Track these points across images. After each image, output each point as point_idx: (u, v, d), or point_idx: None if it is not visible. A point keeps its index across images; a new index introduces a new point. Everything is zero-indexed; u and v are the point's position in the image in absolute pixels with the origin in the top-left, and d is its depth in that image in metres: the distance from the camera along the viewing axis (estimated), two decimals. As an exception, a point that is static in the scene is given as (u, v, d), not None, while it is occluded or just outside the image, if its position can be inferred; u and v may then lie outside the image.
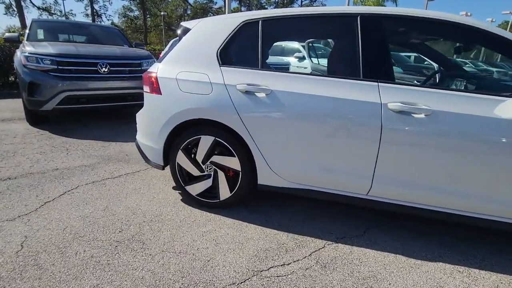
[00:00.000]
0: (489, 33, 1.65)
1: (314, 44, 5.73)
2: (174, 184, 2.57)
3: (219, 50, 2.03)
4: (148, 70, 2.28)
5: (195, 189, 2.20)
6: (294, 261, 1.68)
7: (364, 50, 1.77)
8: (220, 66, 2.01)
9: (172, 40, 3.07)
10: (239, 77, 1.94)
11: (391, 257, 1.75)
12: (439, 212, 1.75)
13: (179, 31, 2.28)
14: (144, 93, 2.28)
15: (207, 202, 2.20)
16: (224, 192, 2.13)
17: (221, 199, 2.16)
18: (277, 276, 1.56)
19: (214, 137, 2.03)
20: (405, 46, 1.73)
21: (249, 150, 1.99)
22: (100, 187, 2.51)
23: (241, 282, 1.52)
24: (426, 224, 2.09)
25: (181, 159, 2.16)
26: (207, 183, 2.16)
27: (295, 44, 9.07)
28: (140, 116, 2.34)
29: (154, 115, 2.16)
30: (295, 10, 1.98)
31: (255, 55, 1.98)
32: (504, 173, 1.58)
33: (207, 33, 2.09)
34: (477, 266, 1.71)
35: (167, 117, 2.08)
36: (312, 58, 4.48)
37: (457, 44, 2.29)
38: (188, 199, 2.30)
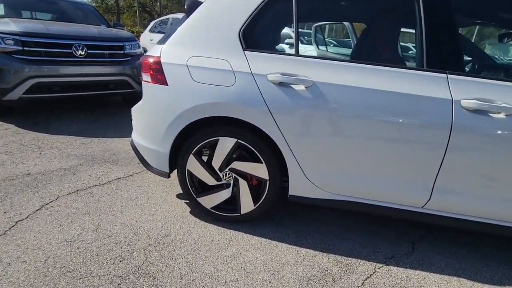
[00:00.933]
0: None
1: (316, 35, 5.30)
2: (178, 191, 2.16)
3: (242, 30, 1.61)
4: (146, 54, 1.81)
5: (210, 201, 1.82)
6: (347, 294, 1.38)
7: (429, 32, 1.43)
8: (244, 50, 1.60)
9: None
10: (270, 64, 1.55)
11: (454, 281, 1.49)
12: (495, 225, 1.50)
13: (186, 4, 1.81)
14: (142, 82, 1.82)
15: (225, 216, 1.83)
16: (247, 204, 1.77)
17: (242, 213, 1.79)
18: (333, 318, 1.25)
19: (236, 139, 1.64)
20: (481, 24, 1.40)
21: (281, 155, 1.63)
22: (87, 197, 2.05)
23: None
24: (471, 236, 1.85)
25: (193, 165, 1.76)
26: (225, 194, 1.78)
27: (284, 29, 8.51)
28: (138, 111, 1.88)
29: (158, 111, 1.73)
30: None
31: (288, 37, 1.58)
32: None
33: (225, 7, 1.66)
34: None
35: (176, 114, 1.65)
36: (319, 46, 4.10)
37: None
38: (199, 211, 1.91)
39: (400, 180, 1.53)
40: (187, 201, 2.08)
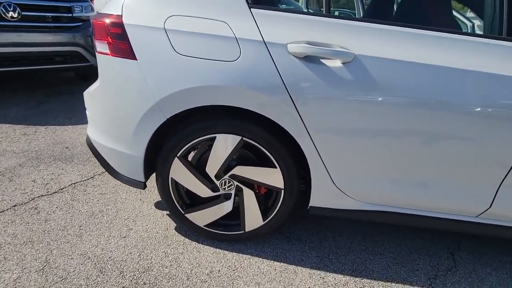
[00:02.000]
0: None
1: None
2: (156, 198, 1.68)
3: (245, -24, 1.08)
4: (100, 13, 1.23)
5: (203, 217, 1.37)
6: None
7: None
8: (250, 8, 1.09)
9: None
10: (290, 29, 1.06)
11: (514, 305, 1.23)
12: None
13: None
14: (97, 55, 1.25)
15: (225, 235, 1.40)
16: (254, 219, 1.34)
17: (247, 230, 1.37)
18: None
19: (240, 137, 1.18)
20: None
21: (302, 157, 1.20)
22: (29, 216, 1.50)
23: None
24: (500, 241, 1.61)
25: (179, 172, 1.28)
26: (225, 207, 1.34)
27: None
28: (93, 97, 1.32)
29: (123, 97, 1.19)
30: None
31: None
32: None
33: None
34: None
35: (151, 103, 1.14)
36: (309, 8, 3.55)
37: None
38: (187, 227, 1.46)
39: (459, 185, 1.18)
40: (169, 212, 1.61)
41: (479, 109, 1.03)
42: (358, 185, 1.22)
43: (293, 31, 1.06)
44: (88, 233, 1.42)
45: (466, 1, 1.67)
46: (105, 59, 1.18)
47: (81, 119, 2.73)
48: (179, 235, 1.46)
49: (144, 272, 1.24)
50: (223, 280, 1.23)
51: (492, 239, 1.59)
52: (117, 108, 1.21)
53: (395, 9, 1.36)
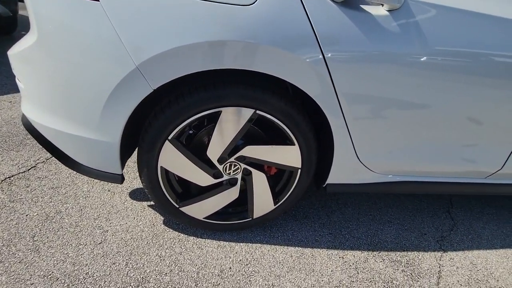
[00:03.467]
0: None
1: None
2: (128, 186, 1.37)
3: None
4: None
5: (203, 209, 1.12)
6: (432, 314, 1.02)
7: None
8: None
9: None
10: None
11: (510, 254, 1.31)
12: None
13: None
14: (24, -7, 0.80)
15: (229, 224, 1.19)
16: (264, 204, 1.15)
17: (255, 216, 1.18)
18: None
19: (254, 110, 0.92)
20: None
21: (325, 131, 1.01)
22: (-49, 233, 1.08)
23: None
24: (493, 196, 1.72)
25: (171, 159, 0.98)
26: (231, 195, 1.11)
27: None
28: (26, 60, 0.88)
29: (80, 59, 0.80)
30: None
31: None
32: None
33: None
34: None
35: (129, 68, 0.79)
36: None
37: None
38: (180, 221, 1.21)
39: (476, 149, 1.13)
40: (152, 203, 1.33)
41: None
42: (381, 158, 1.09)
43: (329, -36, 0.78)
44: (47, 245, 1.08)
45: None
46: (43, 1, 0.76)
47: (1, 86, 2.08)
48: (171, 230, 1.21)
49: (138, 286, 0.98)
50: (238, 279, 1.05)
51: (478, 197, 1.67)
52: (72, 76, 0.83)
53: None
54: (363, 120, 0.96)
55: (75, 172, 1.46)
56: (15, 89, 2.21)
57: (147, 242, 1.14)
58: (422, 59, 0.86)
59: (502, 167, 1.20)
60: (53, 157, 1.53)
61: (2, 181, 1.34)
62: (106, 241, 1.13)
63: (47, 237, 1.11)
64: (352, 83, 0.88)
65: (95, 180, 1.42)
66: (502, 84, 0.95)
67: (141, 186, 1.43)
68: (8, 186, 1.32)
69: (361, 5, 0.81)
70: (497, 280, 1.17)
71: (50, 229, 1.14)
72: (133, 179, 1.47)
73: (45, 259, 1.03)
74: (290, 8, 0.77)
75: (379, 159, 1.10)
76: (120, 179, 1.02)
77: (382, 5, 0.81)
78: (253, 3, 0.76)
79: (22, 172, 1.41)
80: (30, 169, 1.44)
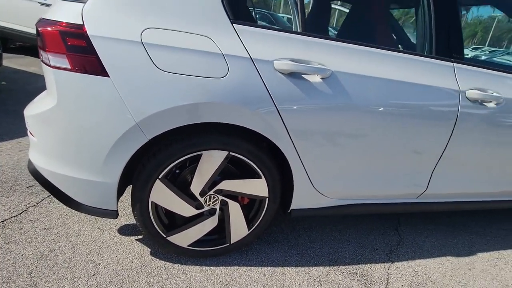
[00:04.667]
0: None
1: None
2: (116, 223, 1.52)
3: (224, -9, 1.08)
4: (46, 18, 1.03)
5: (187, 237, 1.31)
6: (381, 313, 1.24)
7: (438, 15, 1.31)
8: (232, 23, 1.09)
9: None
10: (274, 47, 1.11)
11: (445, 262, 1.58)
12: (489, 202, 1.68)
13: None
14: (48, 69, 1.04)
15: (210, 250, 1.37)
16: (239, 230, 1.36)
17: (233, 242, 1.38)
18: None
19: (227, 152, 1.17)
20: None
21: (284, 164, 1.28)
22: (-50, 275, 1.17)
23: None
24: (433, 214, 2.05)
25: (161, 194, 1.19)
26: (210, 223, 1.32)
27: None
28: (46, 119, 1.09)
29: (92, 119, 1.03)
30: None
31: (291, 9, 1.17)
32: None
33: (193, -49, 1.06)
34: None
35: (130, 124, 1.03)
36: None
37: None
38: (167, 251, 1.38)
39: (405, 175, 1.45)
40: (139, 237, 1.48)
41: (416, 112, 1.28)
42: (332, 185, 1.37)
43: (277, 49, 1.11)
44: (44, 280, 1.19)
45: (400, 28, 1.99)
46: (64, 75, 1.00)
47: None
48: (158, 260, 1.36)
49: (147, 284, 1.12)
50: (219, 297, 1.21)
51: (419, 213, 1.98)
52: (84, 131, 1.05)
53: (359, 30, 1.56)
54: (312, 155, 1.25)
55: (65, 213, 1.58)
56: None
57: (136, 271, 1.29)
58: (345, 109, 1.19)
59: (427, 188, 1.52)
60: (43, 201, 1.65)
61: (-6, 225, 1.44)
62: (99, 273, 1.26)
63: (43, 273, 1.22)
64: (300, 128, 1.17)
65: (85, 219, 1.55)
66: (410, 124, 1.30)
67: (127, 222, 1.58)
68: (2, 230, 1.42)
69: (302, 75, 1.13)
70: (434, 283, 1.43)
71: (46, 266, 1.26)
72: (120, 217, 1.61)
73: (43, 292, 1.14)
74: (252, 79, 1.08)
75: (330, 186, 1.37)
76: (115, 214, 1.20)
77: (317, 75, 1.14)
78: (225, 76, 1.05)
79: (14, 216, 1.52)
80: (21, 213, 1.55)
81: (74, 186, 1.16)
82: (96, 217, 1.57)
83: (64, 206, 1.62)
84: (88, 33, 0.97)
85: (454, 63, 1.34)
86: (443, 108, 1.32)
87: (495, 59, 2.10)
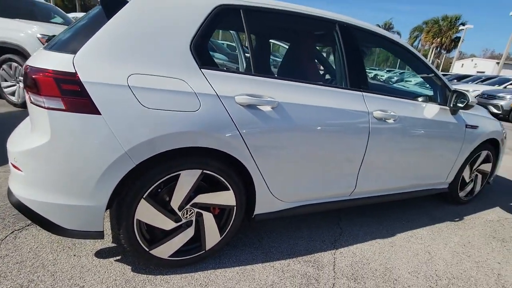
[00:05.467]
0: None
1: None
2: (91, 248, 1.62)
3: (192, 44, 1.38)
4: (38, 66, 1.19)
5: (168, 248, 1.49)
6: (332, 286, 1.58)
7: (349, 59, 1.80)
8: (200, 68, 1.38)
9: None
10: (233, 85, 1.43)
11: (374, 243, 2.02)
12: (397, 194, 2.19)
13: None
14: (38, 110, 1.19)
15: (188, 259, 1.56)
16: (213, 237, 1.59)
17: (207, 248, 1.60)
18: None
19: (201, 170, 1.43)
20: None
21: (248, 177, 1.57)
22: None
23: None
24: (364, 208, 2.54)
25: (145, 211, 1.37)
26: (188, 234, 1.53)
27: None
28: (37, 155, 1.21)
29: (86, 151, 1.20)
30: (285, 4, 1.65)
31: (243, 54, 1.52)
32: (427, 157, 2.20)
33: (165, 13, 1.35)
34: (425, 224, 2.31)
35: (118, 153, 1.22)
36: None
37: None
38: (146, 266, 1.53)
39: (339, 178, 1.87)
40: (118, 257, 1.59)
41: (341, 130, 1.72)
42: (285, 191, 1.71)
43: (237, 87, 1.43)
44: (30, 308, 1.25)
45: (326, 64, 2.51)
46: (58, 115, 1.16)
47: None
48: (140, 274, 1.50)
49: (124, 318, 1.25)
50: (202, 296, 1.41)
51: (355, 208, 2.44)
52: (76, 162, 1.20)
53: (295, 68, 2.00)
54: (269, 168, 1.57)
55: (35, 247, 1.61)
56: None
57: (122, 287, 1.41)
58: (290, 130, 1.55)
59: (355, 187, 1.96)
60: (8, 238, 1.64)
61: (-42, 266, 1.41)
62: (85, 294, 1.35)
63: (28, 302, 1.27)
64: (258, 147, 1.49)
65: (58, 249, 1.60)
66: (337, 139, 1.72)
67: (102, 247, 1.67)
68: (-31, 269, 1.40)
69: (257, 106, 1.47)
70: (368, 260, 1.84)
71: (28, 295, 1.31)
72: (94, 242, 1.70)
73: (33, 318, 1.20)
74: (219, 111, 1.37)
75: (284, 192, 1.70)
76: (102, 235, 1.33)
77: (268, 105, 1.49)
78: (198, 110, 1.33)
79: (-21, 255, 1.50)
80: (-14, 251, 1.53)
81: (61, 213, 1.27)
82: (68, 246, 1.63)
83: (33, 240, 1.65)
84: (81, 79, 1.16)
85: (362, 92, 1.83)
86: (359, 125, 1.78)
87: (394, 85, 2.76)
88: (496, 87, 11.15)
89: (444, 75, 18.53)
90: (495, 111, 9.34)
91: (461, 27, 27.89)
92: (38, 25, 4.08)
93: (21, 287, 1.35)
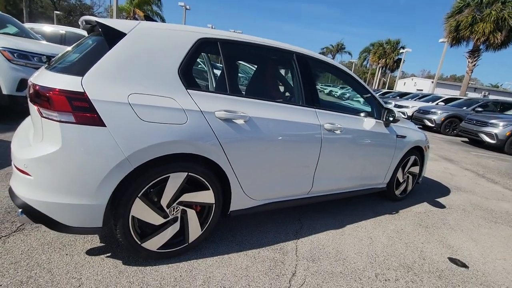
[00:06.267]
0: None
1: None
2: (82, 247, 1.80)
3: (180, 69, 1.69)
4: (54, 87, 1.41)
5: (157, 242, 1.74)
6: (295, 268, 1.93)
7: (304, 82, 2.24)
8: (186, 89, 1.70)
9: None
10: (213, 103, 1.77)
11: (329, 232, 2.44)
12: (345, 192, 2.65)
13: (94, 32, 1.59)
14: (49, 122, 1.40)
15: (173, 251, 1.81)
16: (195, 231, 1.87)
17: (190, 241, 1.87)
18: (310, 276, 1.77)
19: (186, 173, 1.72)
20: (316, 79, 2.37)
21: (224, 179, 1.89)
22: None
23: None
24: (320, 205, 2.97)
25: (139, 209, 1.62)
26: (174, 228, 1.78)
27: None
28: (48, 161, 1.40)
29: (92, 157, 1.43)
30: (254, 38, 2.04)
31: (221, 79, 1.87)
32: (368, 161, 2.71)
33: (158, 44, 1.66)
34: (371, 216, 2.78)
35: (120, 158, 1.47)
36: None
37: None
38: (134, 259, 1.75)
39: (298, 179, 2.27)
40: (108, 254, 1.79)
41: (298, 138, 2.14)
42: (255, 191, 2.05)
43: (215, 104, 1.76)
44: (34, 298, 1.41)
45: (286, 85, 2.95)
46: (68, 127, 1.39)
47: None
48: (131, 266, 1.71)
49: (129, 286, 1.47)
50: (188, 279, 1.67)
51: (313, 206, 2.86)
52: (83, 166, 1.42)
53: (261, 88, 2.41)
54: (242, 170, 1.91)
55: (27, 249, 1.73)
56: None
57: (116, 277, 1.61)
58: (259, 139, 1.92)
59: (312, 187, 2.37)
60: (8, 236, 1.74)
61: (-48, 269, 1.50)
62: (84, 284, 1.54)
63: (31, 293, 1.43)
64: (234, 153, 1.82)
65: (49, 250, 1.74)
66: (296, 147, 2.12)
67: (92, 246, 1.84)
68: (-35, 271, 1.50)
69: (232, 120, 1.81)
70: (323, 245, 2.23)
71: (30, 289, 1.46)
72: (84, 243, 1.86)
73: (39, 305, 1.37)
74: (202, 124, 1.68)
75: (254, 191, 2.04)
76: (101, 230, 1.54)
77: (241, 119, 1.84)
78: (185, 123, 1.63)
79: (-29, 259, 1.59)
80: (-22, 255, 1.62)
81: (65, 212, 1.47)
82: (59, 247, 1.78)
83: (22, 244, 1.77)
84: (90, 97, 1.41)
85: (315, 109, 2.28)
86: (314, 136, 2.21)
87: (341, 102, 3.32)
88: (430, 104, 12.84)
89: (388, 92, 20.44)
90: (429, 124, 10.78)
91: (401, 50, 31.44)
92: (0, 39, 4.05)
93: (21, 283, 1.49)
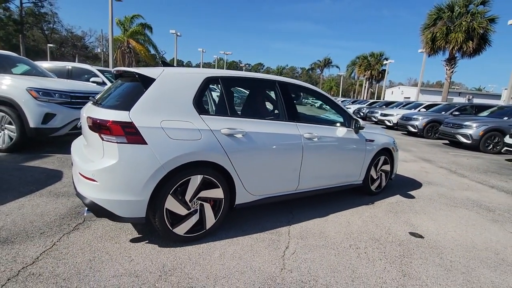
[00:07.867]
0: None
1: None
2: (126, 236, 2.39)
3: (194, 101, 2.37)
4: (112, 119, 2.06)
5: (183, 228, 2.34)
6: (288, 243, 2.53)
7: (286, 103, 2.93)
8: (199, 115, 2.36)
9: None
10: (219, 123, 2.43)
11: (315, 220, 3.05)
12: (327, 188, 3.29)
13: (123, 77, 2.31)
14: (109, 144, 2.04)
15: (196, 235, 2.41)
16: (210, 220, 2.47)
17: (207, 228, 2.47)
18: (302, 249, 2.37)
19: (202, 175, 2.35)
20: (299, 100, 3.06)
21: (230, 179, 2.52)
22: None
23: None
24: (308, 199, 3.59)
25: (170, 203, 2.23)
26: (195, 218, 2.39)
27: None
28: (110, 171, 2.03)
29: (138, 165, 2.07)
30: (245, 73, 2.74)
31: (223, 105, 2.55)
32: (343, 162, 3.37)
33: (177, 84, 2.34)
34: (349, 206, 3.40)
35: (158, 165, 2.11)
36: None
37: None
38: (165, 242, 2.34)
39: (287, 178, 2.91)
40: (146, 242, 2.37)
41: (284, 146, 2.80)
42: (254, 188, 2.68)
43: (220, 124, 2.42)
44: (103, 266, 1.99)
45: (272, 102, 3.66)
46: (122, 146, 2.03)
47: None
48: (165, 248, 2.30)
49: (167, 260, 2.06)
50: (208, 253, 2.27)
51: (302, 200, 3.47)
52: (133, 173, 2.05)
53: (254, 109, 3.08)
54: (243, 173, 2.54)
55: (86, 240, 2.31)
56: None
57: (156, 255, 2.20)
58: (254, 149, 2.57)
59: (298, 184, 3.01)
60: (63, 237, 2.33)
61: (36, 261, 2.08)
62: (134, 260, 2.12)
63: (102, 260, 2.01)
64: (236, 160, 2.47)
65: (103, 240, 2.33)
66: (284, 153, 2.78)
67: (133, 236, 2.42)
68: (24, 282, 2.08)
69: (234, 135, 2.47)
70: (310, 229, 2.84)
71: (99, 261, 2.03)
72: (126, 234, 2.44)
73: (105, 271, 1.95)
74: (212, 139, 2.33)
75: (253, 189, 2.67)
76: (144, 219, 2.15)
77: (240, 134, 2.49)
78: (200, 139, 2.28)
79: (48, 250, 2.17)
80: (51, 247, 2.21)
81: (122, 206, 2.08)
82: (107, 239, 2.37)
83: (81, 238, 2.35)
84: (136, 125, 2.06)
85: (296, 123, 2.95)
86: (296, 143, 2.87)
87: (319, 116, 4.03)
88: (412, 111, 13.73)
89: (375, 102, 21.27)
90: (412, 130, 11.57)
91: (385, 62, 33.01)
92: (26, 79, 4.72)
93: (89, 260, 2.07)
